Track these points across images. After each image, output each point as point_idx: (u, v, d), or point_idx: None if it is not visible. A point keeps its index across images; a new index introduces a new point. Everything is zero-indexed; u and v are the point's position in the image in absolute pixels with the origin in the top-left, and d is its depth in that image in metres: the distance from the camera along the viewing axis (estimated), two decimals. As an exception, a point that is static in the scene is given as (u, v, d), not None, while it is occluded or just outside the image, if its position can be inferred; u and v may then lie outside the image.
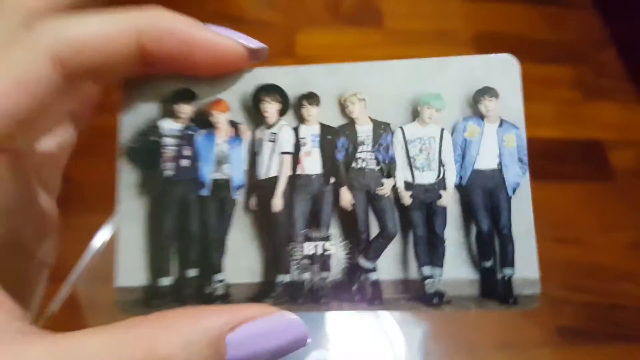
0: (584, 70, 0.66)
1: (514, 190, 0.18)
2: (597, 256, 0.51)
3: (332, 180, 0.19)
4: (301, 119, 0.19)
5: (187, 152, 0.20)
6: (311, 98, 0.18)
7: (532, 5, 0.73)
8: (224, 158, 0.19)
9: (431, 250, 0.18)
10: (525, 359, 0.45)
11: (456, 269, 0.17)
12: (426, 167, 0.19)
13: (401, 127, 0.18)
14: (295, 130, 0.19)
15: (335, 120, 0.18)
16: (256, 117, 0.19)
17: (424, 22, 0.70)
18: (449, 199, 0.18)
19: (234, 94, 0.18)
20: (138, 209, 0.17)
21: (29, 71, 0.13)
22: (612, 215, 0.54)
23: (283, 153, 0.19)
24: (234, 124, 0.19)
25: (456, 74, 0.17)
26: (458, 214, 0.18)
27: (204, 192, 0.19)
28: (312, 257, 0.17)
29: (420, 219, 0.19)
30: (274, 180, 0.19)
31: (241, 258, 0.18)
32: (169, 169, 0.19)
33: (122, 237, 0.16)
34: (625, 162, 0.58)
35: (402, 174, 0.19)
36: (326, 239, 0.17)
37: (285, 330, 0.13)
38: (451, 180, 0.19)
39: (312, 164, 0.19)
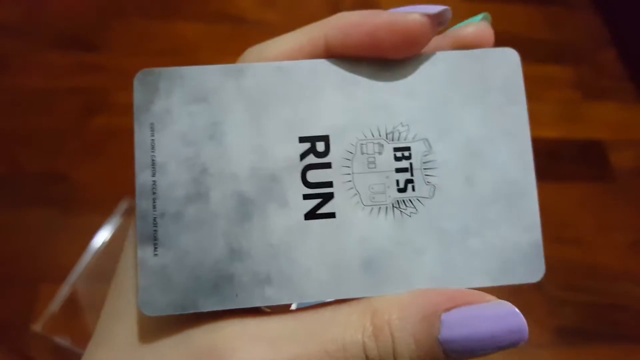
0: (584, 70, 0.66)
1: None
2: (597, 256, 0.51)
3: None
4: None
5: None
6: None
7: (532, 5, 0.73)
8: None
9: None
10: (524, 358, 0.45)
11: None
12: None
13: None
14: None
15: None
16: None
17: (424, 22, 0.70)
18: None
19: None
20: None
21: None
22: (612, 215, 0.54)
23: None
24: None
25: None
26: None
27: None
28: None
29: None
30: None
31: None
32: None
33: None
34: (626, 162, 0.58)
35: None
36: None
37: (504, 318, 0.13)
38: None
39: None
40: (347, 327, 0.12)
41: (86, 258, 0.45)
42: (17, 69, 0.60)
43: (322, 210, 0.13)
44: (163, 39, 0.65)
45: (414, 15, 0.14)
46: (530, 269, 0.14)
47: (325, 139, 0.13)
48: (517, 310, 0.13)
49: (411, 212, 0.13)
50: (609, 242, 0.52)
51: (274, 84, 0.13)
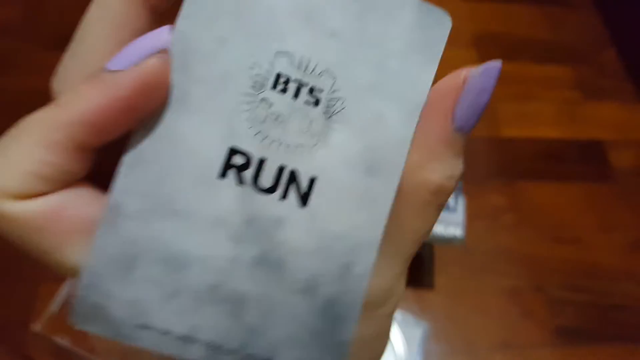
0: (584, 70, 0.66)
1: None
2: (597, 256, 0.51)
3: None
4: None
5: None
6: None
7: (532, 5, 0.73)
8: None
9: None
10: (525, 358, 0.45)
11: None
12: None
13: None
14: None
15: None
16: None
17: (424, 22, 0.70)
18: None
19: None
20: None
21: None
22: (612, 215, 0.54)
23: None
24: None
25: None
26: None
27: None
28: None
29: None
30: None
31: None
32: None
33: None
34: (625, 162, 0.58)
35: None
36: None
37: (490, 77, 0.13)
38: None
39: None
40: None
41: (86, 258, 0.45)
42: (17, 69, 0.60)
43: None
44: (163, 39, 0.65)
45: None
46: None
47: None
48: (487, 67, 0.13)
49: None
50: (609, 242, 0.52)
51: None
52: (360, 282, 0.12)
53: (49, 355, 0.42)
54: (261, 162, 0.12)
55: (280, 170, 0.12)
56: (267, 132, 0.12)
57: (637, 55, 0.67)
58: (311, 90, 0.12)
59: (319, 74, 0.12)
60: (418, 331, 0.41)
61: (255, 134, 0.12)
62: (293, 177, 0.12)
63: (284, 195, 0.12)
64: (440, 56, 0.13)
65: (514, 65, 0.66)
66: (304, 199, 0.12)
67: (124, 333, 0.11)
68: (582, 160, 0.58)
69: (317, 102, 0.12)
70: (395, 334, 0.41)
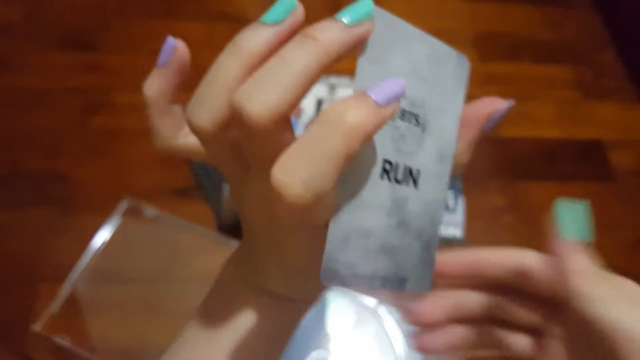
0: (584, 70, 0.66)
1: None
2: (598, 256, 0.51)
3: None
4: None
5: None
6: None
7: (532, 5, 0.73)
8: None
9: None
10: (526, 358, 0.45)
11: None
12: None
13: None
14: None
15: None
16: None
17: (423, 22, 0.69)
18: None
19: None
20: None
21: None
22: (612, 215, 0.54)
23: None
24: None
25: None
26: None
27: None
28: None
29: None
30: None
31: None
32: None
33: None
34: (625, 162, 0.58)
35: None
36: None
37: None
38: None
39: None
40: None
41: (86, 258, 0.45)
42: (18, 69, 0.60)
43: None
44: (163, 39, 0.65)
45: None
46: None
47: None
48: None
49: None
50: (609, 242, 0.52)
51: None
52: (438, 226, 0.21)
53: (49, 355, 0.42)
54: (397, 165, 0.19)
55: (405, 168, 0.19)
56: (399, 146, 0.19)
57: (636, 55, 0.67)
58: (416, 117, 0.20)
59: (419, 106, 0.20)
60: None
61: (394, 148, 0.19)
62: (411, 172, 0.20)
63: (407, 183, 0.19)
64: (466, 84, 0.21)
65: (514, 66, 0.66)
66: (415, 183, 0.20)
67: (346, 282, 0.18)
68: (582, 160, 0.58)
69: (418, 124, 0.20)
70: (395, 333, 0.42)
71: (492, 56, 0.66)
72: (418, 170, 0.20)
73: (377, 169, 0.18)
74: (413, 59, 0.19)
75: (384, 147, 0.19)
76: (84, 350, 0.41)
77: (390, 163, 0.19)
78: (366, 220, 0.18)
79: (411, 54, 0.19)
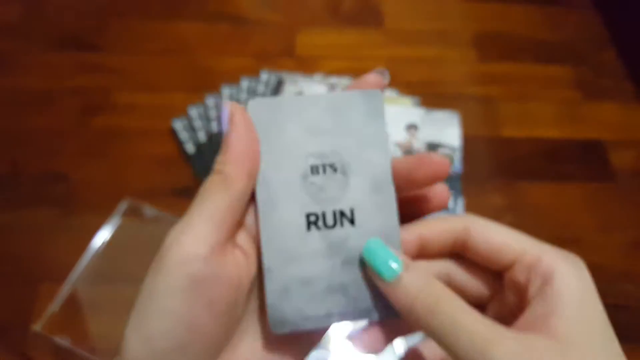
0: (584, 70, 0.66)
1: None
2: (597, 256, 0.51)
3: None
4: None
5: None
6: None
7: (532, 5, 0.73)
8: None
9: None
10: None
11: None
12: None
13: None
14: None
15: None
16: None
17: (424, 22, 0.70)
18: None
19: None
20: None
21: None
22: (612, 215, 0.54)
23: None
24: None
25: None
26: None
27: None
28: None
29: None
30: None
31: None
32: None
33: None
34: (626, 162, 0.58)
35: None
36: None
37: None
38: None
39: None
40: None
41: (86, 258, 0.45)
42: (17, 69, 0.60)
43: None
44: (163, 39, 0.65)
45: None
46: None
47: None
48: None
49: None
50: (609, 242, 0.52)
51: None
52: (397, 249, 0.21)
53: (49, 355, 0.42)
54: (324, 214, 0.21)
55: (334, 213, 0.21)
56: (319, 197, 0.21)
57: (636, 55, 0.67)
58: (330, 166, 0.21)
59: (330, 156, 0.22)
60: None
61: (314, 201, 0.21)
62: (342, 214, 0.21)
63: (342, 224, 0.21)
64: (383, 112, 0.22)
65: (514, 66, 0.66)
66: (352, 221, 0.21)
67: (298, 326, 0.21)
68: (582, 160, 0.58)
69: (335, 170, 0.21)
70: (395, 334, 0.42)
71: (492, 56, 0.66)
72: (352, 209, 0.21)
73: (300, 224, 0.21)
74: (307, 121, 0.22)
75: (303, 203, 0.21)
76: (84, 350, 0.41)
77: (315, 215, 0.21)
78: (302, 269, 0.21)
79: (303, 118, 0.22)
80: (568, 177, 0.57)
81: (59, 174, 0.52)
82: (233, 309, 0.20)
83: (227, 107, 0.21)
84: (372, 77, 0.22)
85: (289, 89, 0.56)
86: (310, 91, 0.56)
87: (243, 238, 0.22)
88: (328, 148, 0.22)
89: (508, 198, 0.54)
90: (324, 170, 0.21)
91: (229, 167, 0.20)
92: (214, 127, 0.56)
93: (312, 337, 0.23)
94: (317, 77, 0.59)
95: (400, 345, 0.41)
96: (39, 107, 0.57)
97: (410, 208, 0.23)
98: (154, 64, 0.62)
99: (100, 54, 0.62)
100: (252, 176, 0.21)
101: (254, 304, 0.22)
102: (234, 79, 0.59)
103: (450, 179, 0.47)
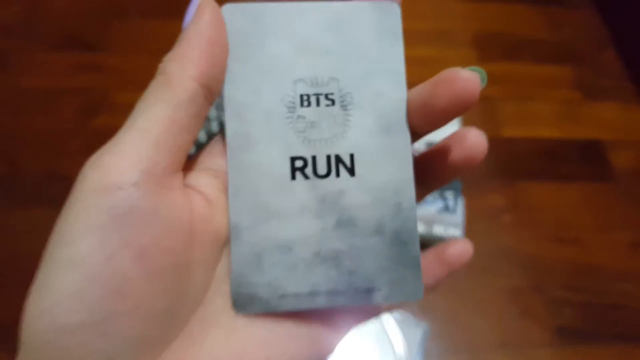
0: (584, 71, 0.66)
1: None
2: (597, 256, 0.51)
3: None
4: None
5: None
6: None
7: (531, 5, 0.73)
8: None
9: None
10: (524, 358, 0.45)
11: None
12: None
13: None
14: None
15: None
16: None
17: (424, 23, 0.70)
18: None
19: None
20: None
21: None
22: (612, 215, 0.54)
23: None
24: None
25: None
26: None
27: None
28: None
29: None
30: None
31: None
32: None
33: None
34: (625, 162, 0.58)
35: None
36: None
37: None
38: None
39: None
40: None
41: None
42: (18, 68, 0.60)
43: None
44: (163, 39, 0.65)
45: None
46: None
47: None
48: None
49: None
50: (608, 242, 0.52)
51: None
52: (410, 212, 0.16)
53: (49, 355, 0.42)
54: (314, 158, 0.16)
55: (328, 158, 0.16)
56: (309, 137, 0.16)
57: (636, 56, 0.67)
58: (326, 96, 0.16)
59: (327, 83, 0.16)
60: (418, 331, 0.41)
61: (303, 141, 0.16)
62: (338, 160, 0.16)
63: (337, 174, 0.16)
64: (401, 32, 0.17)
65: (514, 65, 0.66)
66: (351, 171, 0.16)
67: (271, 305, 0.16)
68: (582, 160, 0.58)
69: (333, 102, 0.16)
70: (395, 333, 0.42)
71: (492, 56, 0.66)
72: (352, 155, 0.16)
73: (282, 170, 0.16)
74: (299, 36, 0.16)
75: (288, 143, 0.16)
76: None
77: (302, 159, 0.16)
78: (282, 230, 0.16)
79: (294, 32, 0.16)
80: (568, 177, 0.57)
81: (59, 174, 0.52)
82: (183, 272, 0.14)
83: (197, 0, 0.16)
84: None
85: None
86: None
87: (208, 182, 0.16)
88: (325, 73, 0.16)
89: (507, 198, 0.54)
90: (318, 102, 0.16)
91: (172, 65, 0.15)
92: (214, 127, 0.56)
93: (330, 329, 0.17)
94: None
95: (401, 346, 0.41)
96: (39, 107, 0.57)
97: (431, 165, 0.17)
98: (154, 64, 0.62)
99: (101, 54, 0.62)
100: (208, 82, 0.15)
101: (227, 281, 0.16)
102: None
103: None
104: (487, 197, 0.54)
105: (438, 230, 0.44)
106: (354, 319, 0.18)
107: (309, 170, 0.16)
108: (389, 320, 0.42)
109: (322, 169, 0.16)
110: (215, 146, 0.17)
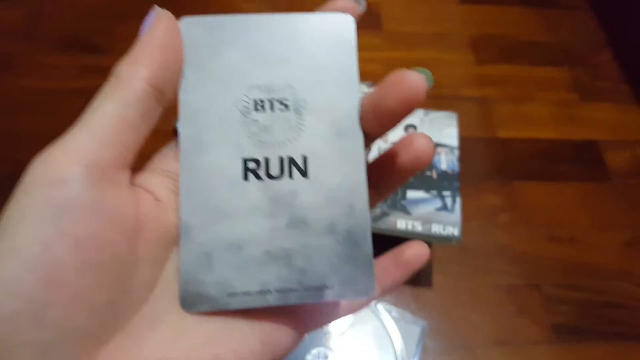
0: (580, 72, 0.67)
1: None
2: (593, 255, 0.52)
3: None
4: None
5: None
6: None
7: (528, 7, 0.73)
8: None
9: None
10: (521, 356, 0.45)
11: None
12: None
13: None
14: None
15: None
16: None
17: (422, 25, 0.70)
18: None
19: None
20: None
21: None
22: (608, 215, 0.55)
23: None
24: None
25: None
26: None
27: None
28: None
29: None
30: None
31: None
32: None
33: None
34: (621, 163, 0.59)
35: None
36: None
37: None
38: None
39: None
40: None
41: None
42: (21, 70, 0.61)
43: None
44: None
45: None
46: None
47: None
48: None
49: None
50: (604, 241, 0.53)
51: None
52: (363, 212, 0.17)
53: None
54: (267, 160, 0.17)
55: (281, 160, 0.17)
56: (263, 139, 0.17)
57: (632, 57, 0.68)
58: (280, 101, 0.17)
59: (281, 89, 0.17)
60: (416, 329, 0.42)
61: (256, 144, 0.17)
62: (292, 162, 0.17)
63: (290, 175, 0.17)
64: (355, 42, 0.18)
65: (511, 67, 0.66)
66: (304, 172, 0.17)
67: (220, 303, 0.16)
68: (578, 161, 0.59)
69: (287, 107, 0.17)
70: (394, 331, 0.42)
71: (489, 58, 0.67)
72: (305, 157, 0.17)
73: (235, 171, 0.16)
74: (254, 46, 0.17)
75: (241, 146, 0.17)
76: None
77: (255, 161, 0.17)
78: (233, 230, 0.16)
79: (250, 42, 0.17)
80: (564, 177, 0.57)
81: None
82: (125, 267, 0.14)
83: (154, 12, 0.17)
84: (342, 1, 0.18)
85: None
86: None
87: (159, 182, 0.17)
88: (279, 80, 0.17)
89: (504, 198, 0.55)
90: (272, 107, 0.17)
91: (124, 67, 0.15)
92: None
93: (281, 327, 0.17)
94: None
95: (399, 344, 0.42)
96: (42, 109, 0.58)
97: (381, 169, 0.18)
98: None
99: (103, 56, 0.63)
100: (160, 84, 0.15)
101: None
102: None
103: (448, 179, 0.48)
104: (485, 196, 0.55)
105: (436, 229, 0.45)
106: (311, 320, 0.18)
107: (261, 171, 0.17)
108: (387, 318, 0.43)
109: (274, 170, 0.17)
110: (168, 150, 0.18)
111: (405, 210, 0.46)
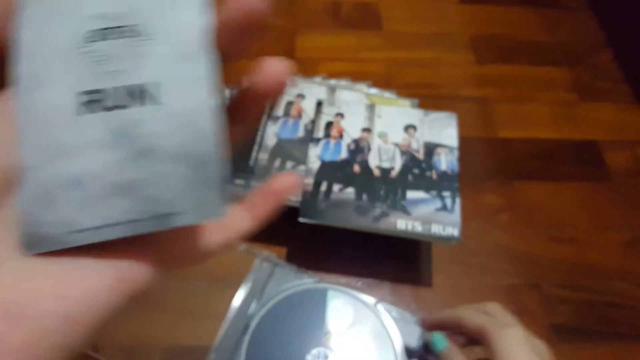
0: (580, 72, 0.67)
1: None
2: (593, 255, 0.52)
3: None
4: None
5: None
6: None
7: (528, 7, 0.73)
8: None
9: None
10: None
11: None
12: None
13: None
14: None
15: None
16: None
17: (422, 26, 0.70)
18: None
19: None
20: None
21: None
22: (608, 215, 0.55)
23: None
24: None
25: None
26: None
27: None
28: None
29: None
30: None
31: None
32: None
33: None
34: (621, 162, 0.59)
35: None
36: None
37: None
38: None
39: None
40: None
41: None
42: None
43: None
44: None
45: None
46: None
47: None
48: None
49: None
50: (604, 241, 0.53)
51: None
52: (212, 137, 0.16)
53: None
54: (108, 91, 0.16)
55: (123, 89, 0.16)
56: (105, 69, 0.16)
57: (632, 57, 0.68)
58: (123, 29, 0.16)
59: (124, 16, 0.16)
60: (416, 328, 0.42)
61: (97, 75, 0.16)
62: (134, 90, 0.16)
63: (134, 104, 0.16)
64: None
65: (511, 67, 0.66)
66: (148, 100, 0.16)
67: (64, 242, 0.15)
68: (578, 161, 0.59)
69: (130, 34, 0.16)
70: (394, 331, 0.42)
71: (489, 58, 0.67)
72: (148, 85, 0.16)
73: (73, 106, 0.16)
74: None
75: (78, 79, 0.16)
76: (86, 348, 0.42)
77: (95, 92, 0.16)
78: (73, 166, 0.15)
79: None
80: (564, 177, 0.57)
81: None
82: None
83: None
84: None
85: (288, 90, 0.57)
86: (310, 93, 0.56)
87: None
88: (121, 8, 0.16)
89: (504, 198, 0.55)
90: (114, 35, 0.16)
91: None
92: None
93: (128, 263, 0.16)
94: (317, 79, 0.60)
95: (399, 344, 0.42)
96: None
97: (242, 99, 0.19)
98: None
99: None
100: None
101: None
102: (234, 81, 0.60)
103: (447, 179, 0.48)
104: (484, 196, 0.55)
105: (436, 229, 0.45)
106: (172, 252, 0.18)
107: (102, 103, 0.16)
108: (387, 318, 0.43)
109: (116, 100, 0.16)
110: (4, 95, 0.16)
111: (405, 211, 0.46)
